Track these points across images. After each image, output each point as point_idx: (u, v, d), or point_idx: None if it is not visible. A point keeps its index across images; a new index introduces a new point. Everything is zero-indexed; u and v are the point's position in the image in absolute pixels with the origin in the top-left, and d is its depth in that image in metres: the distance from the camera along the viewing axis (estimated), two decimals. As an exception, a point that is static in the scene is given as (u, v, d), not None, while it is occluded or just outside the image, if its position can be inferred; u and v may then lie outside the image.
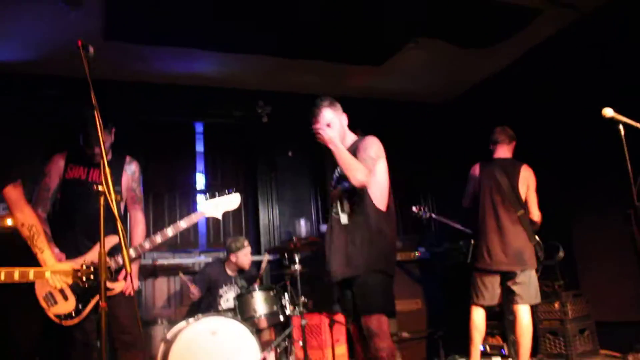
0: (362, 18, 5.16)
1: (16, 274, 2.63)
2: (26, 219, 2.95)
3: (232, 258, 5.16)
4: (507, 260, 4.37)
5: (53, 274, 2.75)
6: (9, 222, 4.64)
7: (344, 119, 3.47)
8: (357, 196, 3.22)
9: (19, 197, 2.95)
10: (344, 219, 3.27)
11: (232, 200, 3.74)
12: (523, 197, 4.56)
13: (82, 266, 2.64)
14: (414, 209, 5.28)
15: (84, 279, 2.71)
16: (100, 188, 2.18)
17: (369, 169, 3.13)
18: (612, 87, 4.88)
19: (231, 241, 5.25)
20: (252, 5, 4.70)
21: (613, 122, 3.12)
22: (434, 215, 5.37)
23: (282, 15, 4.96)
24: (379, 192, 3.23)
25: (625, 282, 4.94)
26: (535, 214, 4.60)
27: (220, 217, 3.74)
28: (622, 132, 3.09)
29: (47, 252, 2.96)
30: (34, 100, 5.65)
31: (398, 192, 7.08)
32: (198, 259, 5.99)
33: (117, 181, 3.56)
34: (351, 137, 3.46)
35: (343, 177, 3.28)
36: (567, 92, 5.56)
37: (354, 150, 3.27)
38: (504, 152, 4.75)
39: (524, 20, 5.39)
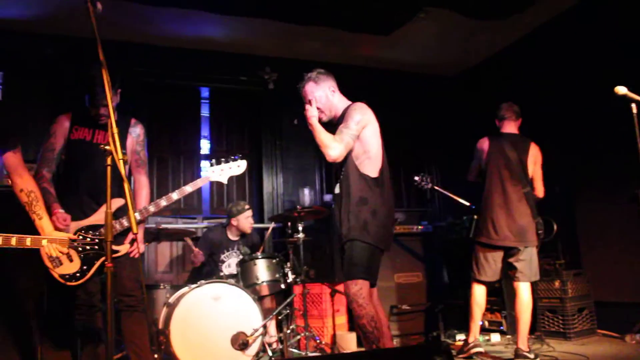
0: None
1: (13, 240, 2.63)
2: (25, 185, 2.92)
3: (233, 222, 5.16)
4: (512, 236, 4.35)
5: (50, 242, 2.72)
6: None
7: (330, 91, 3.43)
8: (344, 165, 3.26)
9: (18, 163, 2.92)
10: (336, 187, 3.35)
11: (238, 166, 3.74)
12: (530, 173, 4.53)
13: (78, 235, 2.63)
14: (416, 178, 5.20)
15: (80, 248, 2.72)
16: (107, 147, 2.13)
17: (342, 142, 3.16)
18: (627, 63, 4.79)
19: (232, 205, 5.25)
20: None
21: (625, 100, 3.07)
22: (435, 187, 5.29)
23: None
24: (366, 159, 3.24)
25: (628, 263, 4.94)
26: (540, 190, 4.57)
27: (225, 182, 3.76)
28: (635, 111, 3.06)
29: (45, 220, 2.94)
30: (34, 59, 5.57)
31: (404, 164, 7.15)
32: (201, 225, 5.99)
33: (122, 143, 3.51)
34: (343, 105, 3.42)
35: None
36: (579, 68, 5.47)
37: (342, 116, 3.32)
38: (511, 128, 4.68)
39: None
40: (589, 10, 5.38)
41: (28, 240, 2.68)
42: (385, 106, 7.23)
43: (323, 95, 3.40)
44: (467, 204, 4.94)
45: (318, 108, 3.36)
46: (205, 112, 6.66)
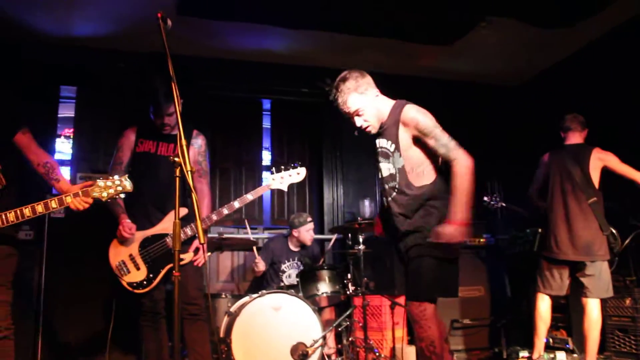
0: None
1: (39, 207, 2.75)
2: (40, 159, 3.05)
3: (295, 233, 5.21)
4: (575, 250, 4.25)
5: (74, 197, 2.83)
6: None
7: (372, 93, 3.05)
8: (398, 181, 2.97)
9: (29, 141, 3.05)
10: (392, 205, 3.05)
11: (298, 174, 3.80)
12: (596, 182, 4.39)
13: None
14: (485, 198, 5.11)
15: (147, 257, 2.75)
16: (176, 159, 2.21)
17: (455, 150, 2.84)
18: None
19: (294, 217, 5.30)
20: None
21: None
22: (504, 204, 5.20)
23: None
24: (423, 175, 2.95)
25: None
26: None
27: (285, 190, 3.84)
28: None
29: (62, 181, 3.05)
30: (106, 75, 5.81)
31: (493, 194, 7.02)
32: (262, 235, 6.07)
33: (185, 154, 3.62)
34: (387, 107, 3.04)
35: (385, 155, 3.02)
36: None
37: (395, 121, 2.95)
38: (575, 139, 4.58)
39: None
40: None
41: (53, 203, 2.78)
42: (447, 117, 7.20)
43: (368, 104, 3.02)
44: (534, 218, 4.82)
45: (366, 120, 3.02)
46: (266, 123, 6.76)
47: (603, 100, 5.65)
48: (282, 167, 3.82)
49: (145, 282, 3.43)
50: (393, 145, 2.95)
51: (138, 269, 3.44)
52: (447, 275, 2.93)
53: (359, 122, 3.04)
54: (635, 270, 4.99)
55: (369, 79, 3.08)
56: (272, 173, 3.83)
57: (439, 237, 2.71)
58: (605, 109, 5.55)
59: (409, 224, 2.94)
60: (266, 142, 6.71)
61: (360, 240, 4.62)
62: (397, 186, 2.96)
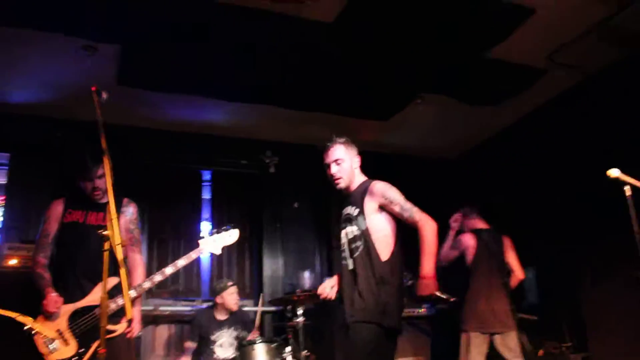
0: (369, 74, 5.26)
1: None
2: None
3: (218, 300, 5.12)
4: (494, 321, 4.55)
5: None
6: (11, 262, 4.64)
7: (355, 161, 3.44)
8: (361, 240, 3.19)
9: None
10: (348, 263, 3.25)
11: (230, 235, 3.80)
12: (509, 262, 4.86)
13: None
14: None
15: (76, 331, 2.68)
16: (105, 232, 2.17)
17: (418, 213, 3.17)
18: (617, 147, 4.88)
19: (216, 284, 5.29)
20: (261, 58, 4.81)
21: (619, 182, 3.09)
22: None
23: (291, 69, 5.06)
24: (387, 238, 3.19)
25: (637, 343, 4.81)
26: (521, 272, 4.89)
27: (219, 252, 3.82)
28: (628, 193, 3.07)
29: None
30: (45, 142, 5.70)
31: (406, 244, 7.12)
32: (200, 307, 5.90)
33: (115, 223, 3.56)
34: (360, 179, 3.42)
35: (348, 220, 3.29)
36: (572, 152, 5.58)
37: (362, 191, 3.28)
38: (482, 224, 5.02)
39: (528, 80, 5.50)
40: (581, 95, 5.54)
41: None
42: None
43: (348, 160, 3.39)
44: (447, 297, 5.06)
45: (340, 171, 3.35)
46: (206, 194, 6.72)
47: (535, 172, 5.95)
48: (214, 230, 3.85)
49: (75, 358, 3.26)
50: (357, 210, 3.24)
51: (67, 344, 3.27)
52: (384, 351, 3.03)
53: (334, 169, 3.35)
54: (570, 337, 5.12)
55: (356, 149, 3.51)
56: (202, 237, 3.81)
57: (420, 290, 2.99)
58: (537, 181, 5.84)
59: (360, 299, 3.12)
60: (206, 213, 6.65)
61: (300, 312, 4.57)
62: (361, 246, 3.16)
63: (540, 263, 5.70)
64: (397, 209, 3.17)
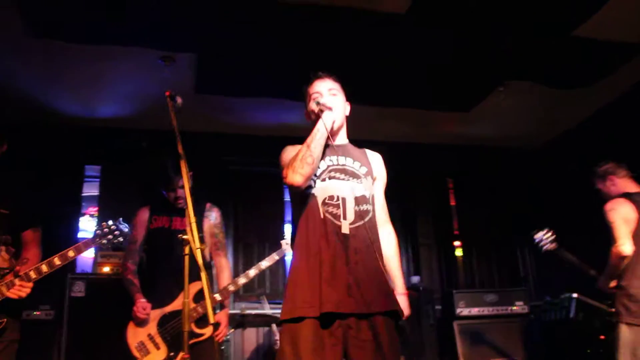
0: (448, 64, 5.07)
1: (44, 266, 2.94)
2: (28, 255, 3.11)
3: None
4: None
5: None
6: (105, 269, 4.84)
7: (347, 108, 2.70)
8: (370, 209, 2.52)
9: (33, 240, 3.17)
10: (345, 227, 2.42)
11: None
12: None
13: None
14: (536, 236, 4.26)
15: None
16: (184, 236, 2.16)
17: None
18: None
19: None
20: (336, 57, 4.73)
21: None
22: (557, 248, 4.20)
23: (368, 64, 4.96)
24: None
25: None
26: None
27: None
28: None
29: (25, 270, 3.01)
30: (132, 153, 5.91)
31: (491, 239, 6.88)
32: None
33: (198, 228, 3.57)
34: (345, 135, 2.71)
35: (352, 174, 2.51)
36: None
37: (368, 155, 2.70)
38: (634, 186, 3.92)
39: (621, 59, 5.10)
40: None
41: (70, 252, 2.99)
42: (468, 181, 7.18)
43: (343, 103, 2.67)
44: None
45: (336, 106, 2.55)
46: (288, 197, 6.72)
47: (630, 156, 5.51)
48: None
49: (166, 362, 3.34)
50: (365, 170, 2.57)
51: (158, 348, 3.35)
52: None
53: (328, 99, 2.58)
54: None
55: None
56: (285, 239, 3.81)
57: (406, 312, 2.49)
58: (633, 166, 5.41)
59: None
60: (289, 216, 6.67)
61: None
62: (370, 214, 2.48)
63: None
64: (381, 199, 2.64)
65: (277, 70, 5.00)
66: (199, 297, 3.34)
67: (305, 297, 2.22)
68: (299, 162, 2.36)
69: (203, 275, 2.14)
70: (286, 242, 3.78)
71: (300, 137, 6.54)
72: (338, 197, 2.41)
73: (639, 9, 4.37)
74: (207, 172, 5.68)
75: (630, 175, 3.96)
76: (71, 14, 4.06)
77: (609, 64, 5.19)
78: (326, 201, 2.39)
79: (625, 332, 3.55)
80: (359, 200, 2.44)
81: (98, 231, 3.21)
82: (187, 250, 2.17)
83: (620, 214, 3.69)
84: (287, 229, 6.56)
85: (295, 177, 2.34)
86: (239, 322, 4.63)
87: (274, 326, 4.99)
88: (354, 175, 2.49)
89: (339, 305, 2.18)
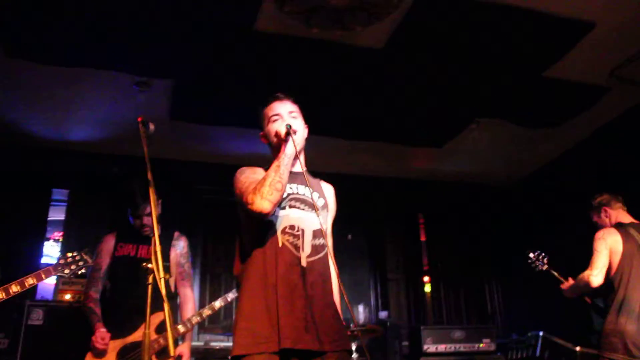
0: (421, 100, 5.14)
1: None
2: None
3: None
4: None
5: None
6: (66, 297, 4.70)
7: (305, 132, 2.55)
8: (324, 243, 2.40)
9: None
10: (304, 260, 2.33)
11: None
12: None
13: None
14: (531, 255, 4.39)
15: None
16: (149, 265, 2.11)
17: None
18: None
19: None
20: (312, 89, 4.76)
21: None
22: (552, 270, 4.26)
23: (342, 98, 5.01)
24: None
25: None
26: None
27: None
28: None
29: None
30: (102, 178, 5.82)
31: (460, 276, 6.90)
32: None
33: (165, 257, 3.50)
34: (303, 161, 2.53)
35: (309, 205, 2.40)
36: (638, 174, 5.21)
37: (324, 187, 2.65)
38: (627, 217, 3.94)
39: (590, 99, 5.23)
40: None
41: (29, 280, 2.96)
42: (442, 216, 7.22)
43: (302, 126, 2.53)
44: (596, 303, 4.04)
45: (296, 131, 2.39)
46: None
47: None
48: None
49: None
50: (322, 201, 2.50)
51: (117, 382, 3.24)
52: None
53: (291, 121, 2.46)
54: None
55: None
56: None
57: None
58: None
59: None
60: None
61: (354, 347, 4.41)
62: (324, 250, 2.37)
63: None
64: (330, 232, 2.56)
65: (253, 99, 5.00)
66: (161, 328, 3.26)
67: (264, 332, 2.12)
68: (268, 188, 2.18)
69: (166, 305, 2.08)
70: None
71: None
72: (298, 227, 2.32)
73: (605, 52, 4.52)
74: (178, 200, 5.63)
75: (624, 206, 4.00)
76: (47, 35, 4.02)
77: (577, 104, 5.33)
78: (286, 230, 2.29)
79: None
80: (316, 234, 2.35)
81: (61, 260, 3.13)
82: (150, 279, 2.11)
83: (607, 244, 3.73)
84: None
85: (264, 203, 2.15)
86: (203, 354, 4.51)
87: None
88: (312, 207, 2.38)
89: (297, 342, 2.10)
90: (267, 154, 6.09)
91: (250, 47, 4.26)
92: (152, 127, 2.45)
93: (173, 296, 3.63)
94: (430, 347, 5.51)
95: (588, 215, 4.12)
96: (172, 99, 4.95)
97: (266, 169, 2.35)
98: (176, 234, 3.73)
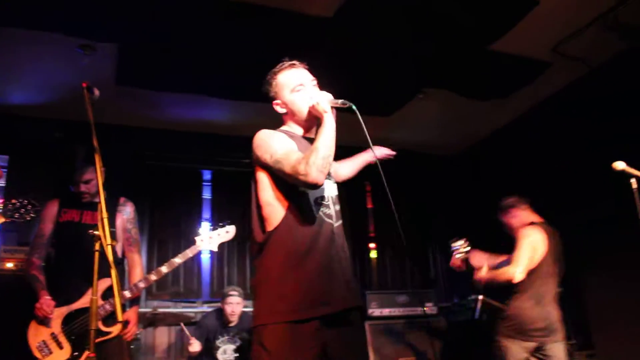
0: (370, 70, 5.18)
1: None
2: None
3: (223, 306, 5.04)
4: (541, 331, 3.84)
5: None
6: (8, 265, 4.60)
7: None
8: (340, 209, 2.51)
9: None
10: (337, 223, 2.42)
11: (227, 232, 3.76)
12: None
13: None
14: (453, 244, 4.34)
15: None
16: (95, 232, 2.11)
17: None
18: (622, 140, 4.78)
19: (224, 289, 5.18)
20: (260, 57, 4.72)
21: (624, 175, 3.01)
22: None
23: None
24: None
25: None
26: None
27: (216, 249, 3.81)
28: (634, 186, 2.99)
29: None
30: (44, 143, 5.66)
31: (402, 242, 7.08)
32: (200, 309, 5.85)
33: (110, 222, 3.46)
34: None
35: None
36: (578, 145, 5.47)
37: None
38: (535, 216, 4.18)
39: (533, 73, 5.40)
40: (586, 87, 5.45)
41: None
42: (389, 186, 7.32)
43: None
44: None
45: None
46: (207, 194, 6.66)
47: (539, 167, 5.86)
48: (211, 226, 3.82)
49: (69, 362, 3.22)
50: (332, 169, 2.52)
51: (61, 347, 3.23)
52: None
53: (316, 90, 2.60)
54: (575, 335, 5.03)
55: None
56: (199, 235, 3.77)
57: None
58: (541, 176, 5.75)
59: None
60: (206, 214, 6.59)
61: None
62: (340, 215, 2.48)
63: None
64: None
65: (201, 66, 4.95)
66: (108, 294, 3.25)
67: (316, 296, 2.17)
68: (323, 161, 2.20)
69: (113, 272, 2.09)
70: (200, 239, 3.73)
71: (224, 135, 6.52)
72: (328, 197, 2.41)
73: (548, 28, 4.67)
74: (123, 165, 5.53)
75: (530, 207, 4.20)
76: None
77: (522, 78, 5.49)
78: (319, 201, 2.35)
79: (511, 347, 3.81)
80: (335, 200, 2.46)
81: (9, 205, 3.07)
82: (97, 246, 2.12)
83: (532, 242, 3.91)
84: (204, 226, 6.48)
85: (320, 176, 2.18)
86: (150, 320, 4.52)
87: (183, 325, 4.90)
88: (329, 175, 2.44)
89: (346, 302, 2.23)
90: (214, 120, 6.08)
91: (198, 11, 4.19)
92: (97, 92, 2.43)
93: (120, 262, 3.62)
94: (375, 311, 5.69)
95: (497, 217, 4.30)
96: (118, 64, 4.81)
97: (286, 132, 2.46)
98: (122, 199, 3.70)
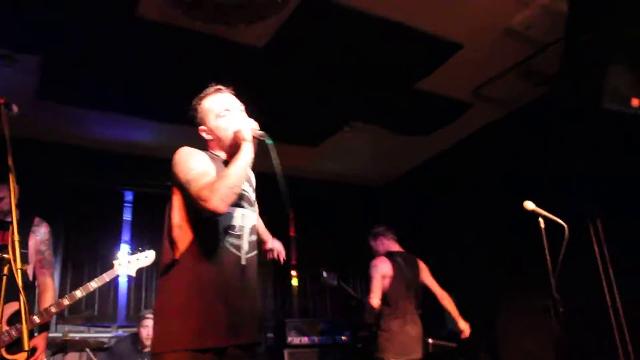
0: (298, 101, 5.30)
1: None
2: None
3: (139, 329, 4.90)
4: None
5: None
6: None
7: None
8: (256, 240, 2.49)
9: None
10: (243, 259, 2.33)
11: (147, 257, 3.68)
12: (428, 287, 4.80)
13: None
14: (324, 273, 5.21)
15: None
16: (5, 255, 2.01)
17: None
18: (535, 180, 5.07)
19: (141, 312, 5.07)
20: (188, 81, 4.70)
21: (534, 214, 3.19)
22: (341, 283, 5.30)
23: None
24: None
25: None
26: (444, 295, 4.81)
27: (134, 274, 3.70)
28: (542, 225, 3.16)
29: None
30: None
31: (331, 271, 7.13)
32: (115, 334, 5.64)
33: (23, 244, 3.31)
34: None
35: (247, 200, 2.43)
36: (493, 183, 5.77)
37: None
38: (396, 245, 4.89)
39: (455, 113, 5.68)
40: (504, 129, 5.75)
41: None
42: (314, 214, 7.41)
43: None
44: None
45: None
46: (127, 216, 6.48)
47: (457, 201, 6.12)
48: (131, 251, 3.73)
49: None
50: (254, 196, 2.53)
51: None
52: None
53: (243, 116, 2.55)
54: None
55: None
56: (118, 259, 3.67)
57: None
58: (460, 210, 6.00)
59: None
60: (126, 235, 6.41)
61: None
62: (256, 248, 2.43)
63: (460, 290, 5.82)
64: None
65: (129, 86, 4.86)
66: (15, 319, 3.08)
67: (218, 327, 2.12)
68: (228, 190, 2.13)
69: (21, 297, 2.00)
70: (119, 263, 3.63)
71: (145, 156, 6.38)
72: (240, 227, 2.33)
73: (470, 71, 4.94)
74: (39, 183, 5.31)
75: (395, 238, 4.93)
76: None
77: (444, 116, 5.76)
78: (229, 231, 2.28)
79: None
80: (252, 231, 2.40)
81: None
82: (5, 270, 2.02)
83: (380, 271, 4.57)
84: (123, 248, 6.29)
85: (221, 205, 2.10)
86: (60, 346, 4.31)
87: (89, 351, 4.69)
88: (249, 203, 2.42)
89: (238, 337, 2.17)
90: (140, 141, 5.95)
91: (128, 31, 4.13)
92: (15, 109, 2.34)
93: (31, 285, 3.46)
94: (294, 339, 5.68)
95: (368, 242, 5.04)
96: (40, 77, 4.65)
97: (209, 154, 2.40)
98: (36, 219, 3.55)
